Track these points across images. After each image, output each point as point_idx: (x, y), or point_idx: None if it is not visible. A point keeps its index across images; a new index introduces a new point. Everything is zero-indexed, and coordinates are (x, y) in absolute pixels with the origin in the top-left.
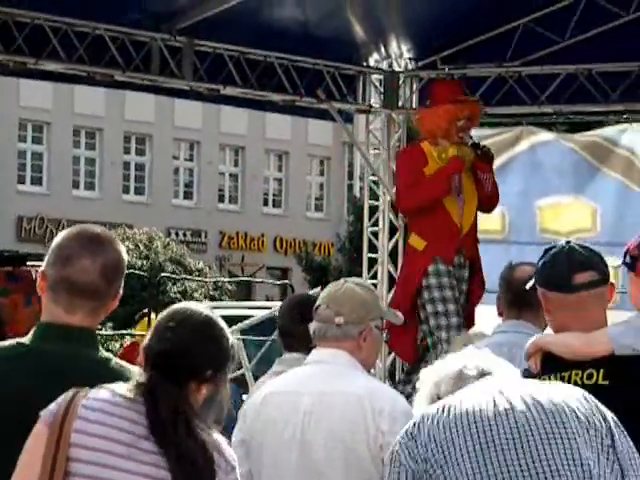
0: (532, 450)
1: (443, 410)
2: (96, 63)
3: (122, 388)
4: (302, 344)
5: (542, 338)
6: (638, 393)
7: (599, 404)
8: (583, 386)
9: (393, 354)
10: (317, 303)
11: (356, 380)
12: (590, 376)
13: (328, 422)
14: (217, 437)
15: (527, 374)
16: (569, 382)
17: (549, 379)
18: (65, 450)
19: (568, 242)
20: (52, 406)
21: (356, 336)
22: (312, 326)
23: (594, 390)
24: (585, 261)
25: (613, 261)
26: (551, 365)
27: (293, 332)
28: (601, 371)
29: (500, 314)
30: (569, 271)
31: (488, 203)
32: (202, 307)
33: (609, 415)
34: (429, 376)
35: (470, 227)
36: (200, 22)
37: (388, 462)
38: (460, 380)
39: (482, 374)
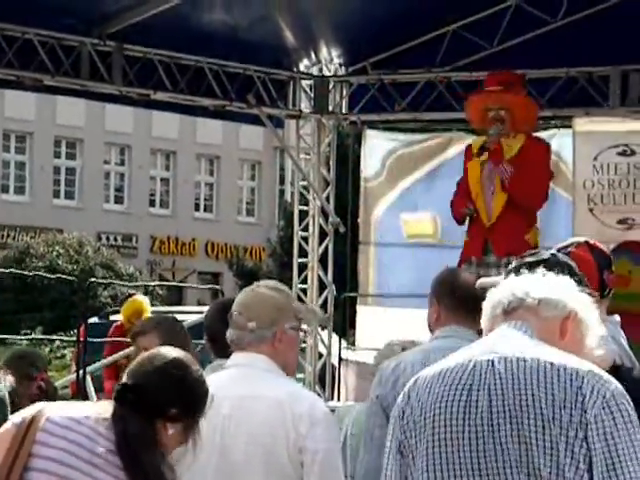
0: (488, 455)
1: (427, 385)
2: (25, 67)
3: (94, 406)
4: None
5: None
6: None
7: (587, 385)
8: None
9: (323, 358)
10: (231, 310)
11: (276, 384)
12: None
13: (248, 426)
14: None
15: None
16: None
17: None
18: (29, 446)
19: (554, 255)
20: (23, 410)
21: (270, 339)
22: (228, 333)
23: None
24: (580, 279)
25: None
26: None
27: (221, 337)
28: None
29: (437, 319)
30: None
31: (514, 197)
32: (176, 351)
33: (597, 398)
34: (489, 296)
35: (497, 221)
36: (130, 27)
37: (395, 412)
38: (492, 317)
39: (507, 312)
